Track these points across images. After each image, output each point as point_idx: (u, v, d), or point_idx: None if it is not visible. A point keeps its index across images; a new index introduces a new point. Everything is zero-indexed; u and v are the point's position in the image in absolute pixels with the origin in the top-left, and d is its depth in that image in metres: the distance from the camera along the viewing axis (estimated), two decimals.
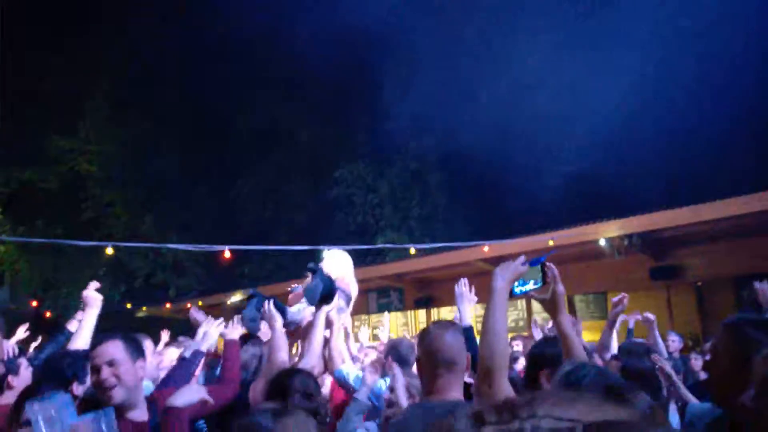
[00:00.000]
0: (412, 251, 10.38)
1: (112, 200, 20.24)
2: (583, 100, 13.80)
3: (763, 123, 12.29)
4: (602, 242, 8.71)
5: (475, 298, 3.62)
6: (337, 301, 4.10)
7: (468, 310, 3.48)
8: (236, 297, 14.06)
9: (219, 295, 14.92)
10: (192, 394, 2.31)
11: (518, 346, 5.70)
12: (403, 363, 3.77)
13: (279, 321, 3.56)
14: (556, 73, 15.25)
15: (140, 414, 2.38)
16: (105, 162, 20.37)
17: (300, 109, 19.78)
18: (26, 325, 5.78)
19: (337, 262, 4.66)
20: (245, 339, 3.84)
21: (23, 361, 3.54)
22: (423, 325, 12.66)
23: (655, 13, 13.82)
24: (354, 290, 4.61)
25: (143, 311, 17.26)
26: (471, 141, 16.03)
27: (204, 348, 3.20)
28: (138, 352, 2.42)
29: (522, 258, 2.07)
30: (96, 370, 2.31)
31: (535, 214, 12.60)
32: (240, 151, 20.22)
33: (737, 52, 12.33)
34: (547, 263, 2.15)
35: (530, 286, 2.15)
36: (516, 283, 2.08)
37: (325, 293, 3.91)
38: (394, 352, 3.86)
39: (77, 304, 17.75)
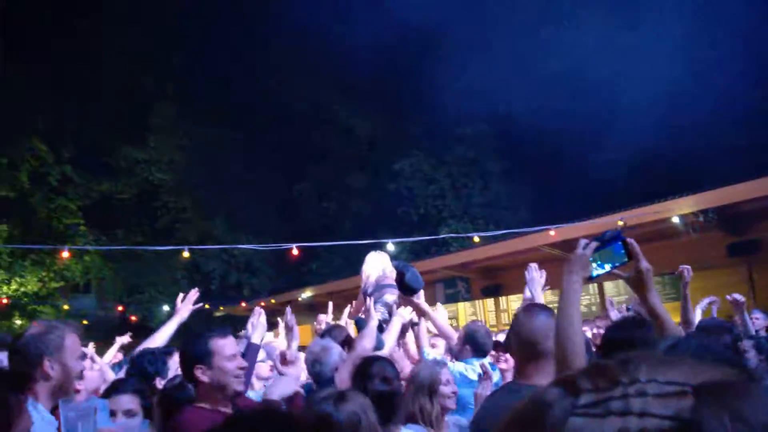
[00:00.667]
0: (476, 239, 10.33)
1: (185, 206, 21.13)
2: (645, 76, 13.30)
3: None
4: (676, 220, 8.39)
5: (544, 282, 3.59)
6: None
7: (540, 293, 3.47)
8: (306, 293, 14.40)
9: (290, 292, 15.32)
10: (287, 386, 2.45)
11: (598, 330, 5.35)
12: (479, 351, 3.82)
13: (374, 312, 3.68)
14: (613, 50, 14.72)
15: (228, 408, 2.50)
16: (174, 170, 21.27)
17: (355, 102, 19.97)
18: (129, 333, 6.31)
19: (376, 263, 4.82)
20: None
21: (87, 363, 3.79)
22: (492, 314, 12.58)
23: None
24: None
25: (220, 311, 17.96)
26: (529, 124, 15.74)
27: (256, 339, 3.30)
28: None
29: (583, 242, 1.97)
30: (235, 357, 2.48)
31: (602, 195, 12.26)
32: (301, 147, 20.61)
33: None
34: (628, 239, 1.98)
35: (608, 268, 1.99)
36: (594, 266, 1.97)
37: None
38: (471, 340, 3.92)
39: (160, 307, 18.50)
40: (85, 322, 19.55)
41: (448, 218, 17.70)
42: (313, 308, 14.91)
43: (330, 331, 3.91)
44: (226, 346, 2.46)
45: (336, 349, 3.40)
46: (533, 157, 16.00)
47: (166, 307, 19.02)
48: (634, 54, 13.97)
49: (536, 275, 3.57)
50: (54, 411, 2.18)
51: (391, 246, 11.89)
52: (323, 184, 20.56)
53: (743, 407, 0.39)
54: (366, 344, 3.33)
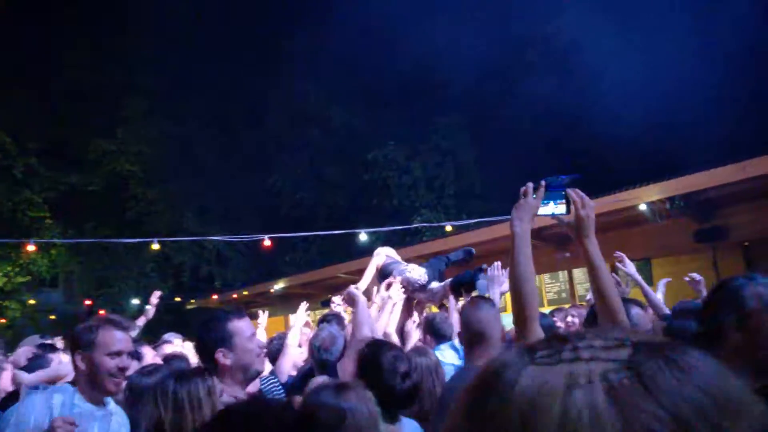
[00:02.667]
0: (449, 228, 10.37)
1: (154, 198, 20.80)
2: (617, 65, 13.48)
3: None
4: (643, 207, 8.54)
5: (507, 281, 3.64)
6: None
7: (497, 293, 3.54)
8: (280, 285, 14.32)
9: (264, 283, 15.21)
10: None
11: (572, 318, 5.34)
12: (441, 336, 3.90)
13: (362, 298, 3.67)
14: (588, 39, 14.88)
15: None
16: (144, 161, 20.91)
17: (330, 92, 19.86)
18: None
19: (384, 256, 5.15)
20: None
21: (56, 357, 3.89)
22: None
23: None
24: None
25: (192, 304, 17.77)
26: (502, 114, 15.86)
27: None
28: None
29: (530, 186, 2.01)
30: (254, 336, 2.49)
31: (572, 183, 12.41)
32: (274, 137, 20.44)
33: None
34: (571, 189, 1.99)
35: (550, 208, 2.02)
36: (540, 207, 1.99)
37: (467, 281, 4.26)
38: (429, 327, 3.99)
39: (129, 301, 18.25)
40: (52, 317, 19.21)
41: (421, 208, 17.77)
42: (287, 299, 14.85)
43: (328, 320, 3.93)
44: (244, 326, 2.46)
45: (341, 339, 3.47)
46: (507, 147, 16.12)
47: (135, 301, 18.74)
48: (608, 45, 14.13)
49: (497, 273, 3.61)
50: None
51: (364, 236, 11.91)
52: (297, 175, 20.43)
53: (674, 354, 0.45)
54: (366, 331, 3.30)
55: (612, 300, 1.90)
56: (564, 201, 2.01)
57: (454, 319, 4.20)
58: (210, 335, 2.45)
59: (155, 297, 5.86)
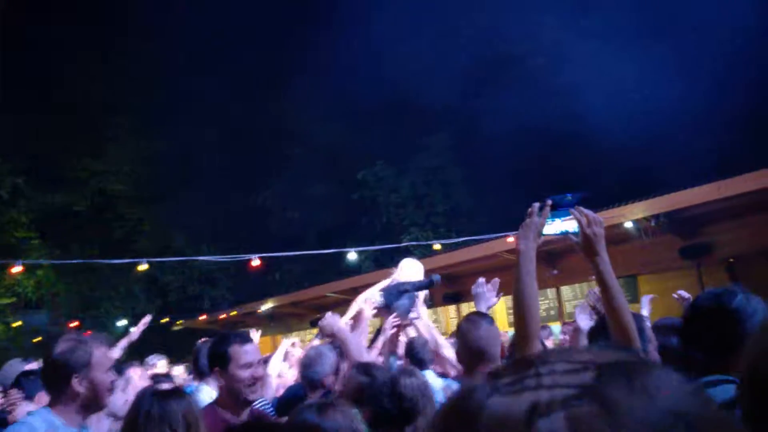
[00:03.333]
0: (437, 247, 10.42)
1: (142, 217, 20.68)
2: (602, 83, 13.70)
3: None
4: (629, 224, 8.65)
5: (494, 297, 3.61)
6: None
7: (484, 308, 3.50)
8: (268, 305, 14.25)
9: (252, 303, 15.13)
10: None
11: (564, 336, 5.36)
12: (419, 362, 3.85)
13: (338, 326, 3.66)
14: (571, 56, 15.13)
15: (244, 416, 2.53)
16: (132, 180, 20.82)
17: (317, 112, 19.96)
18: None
19: (410, 270, 5.04)
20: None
21: None
22: (453, 321, 12.69)
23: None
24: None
25: (179, 324, 17.60)
26: (489, 133, 16.01)
27: None
28: None
29: (536, 206, 2.03)
30: (250, 366, 2.45)
31: (580, 201, 12.50)
32: (262, 156, 20.45)
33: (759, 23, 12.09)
34: (576, 209, 2.02)
35: (557, 226, 2.06)
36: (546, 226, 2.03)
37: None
38: (409, 352, 3.95)
39: (116, 322, 18.00)
40: (38, 339, 18.93)
41: (410, 227, 17.83)
42: (276, 319, 14.77)
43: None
44: (243, 353, 2.45)
45: (330, 357, 3.41)
46: (494, 164, 16.26)
47: (122, 322, 18.53)
48: (592, 62, 14.37)
49: (482, 290, 3.58)
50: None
51: (353, 255, 11.93)
52: (286, 195, 20.44)
53: (639, 376, 0.44)
54: (354, 355, 3.27)
55: (624, 317, 1.91)
56: (570, 219, 2.04)
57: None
58: (211, 351, 2.54)
59: (144, 322, 5.82)
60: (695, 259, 8.89)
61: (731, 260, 9.04)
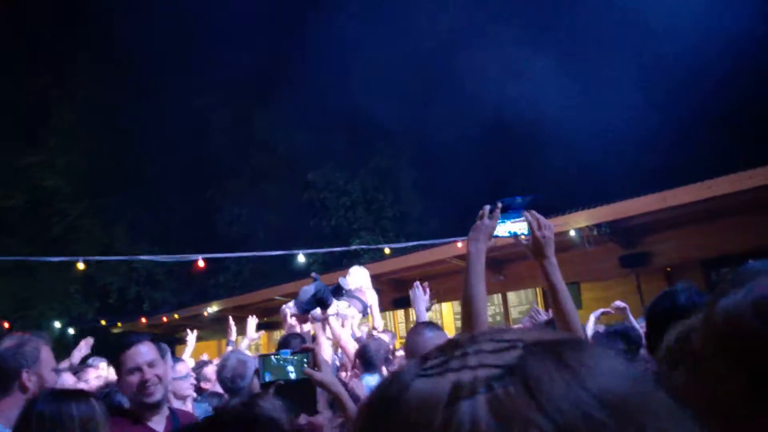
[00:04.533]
0: (387, 251, 10.43)
1: (81, 213, 19.88)
2: (550, 95, 14.04)
3: (726, 107, 12.63)
4: (572, 233, 8.87)
5: (428, 298, 3.73)
6: (337, 307, 4.53)
7: (423, 310, 3.62)
8: (213, 308, 13.92)
9: (195, 306, 14.76)
10: None
11: None
12: (370, 366, 3.89)
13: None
14: (523, 68, 15.46)
15: (158, 422, 2.41)
16: (71, 174, 19.99)
17: (271, 110, 19.71)
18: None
19: (356, 276, 5.61)
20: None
21: None
22: (402, 326, 12.73)
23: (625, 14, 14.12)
24: (371, 299, 5.54)
25: (118, 327, 17.00)
26: (441, 138, 16.18)
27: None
28: (163, 353, 2.57)
29: (487, 208, 2.05)
30: (137, 370, 2.34)
31: (530, 204, 12.74)
32: (211, 155, 20.02)
33: (702, 42, 12.65)
34: (529, 212, 2.04)
35: (507, 228, 2.06)
36: (498, 228, 2.04)
37: (319, 297, 4.31)
38: (362, 355, 3.99)
39: (51, 323, 17.24)
40: None
41: (359, 230, 17.79)
42: (220, 323, 14.44)
43: (288, 341, 3.79)
44: (128, 358, 2.37)
45: (252, 362, 3.32)
46: (446, 170, 16.43)
47: (57, 324, 17.75)
48: (541, 73, 14.71)
49: (419, 292, 3.71)
50: None
51: (302, 257, 11.79)
52: (233, 194, 20.07)
53: (568, 355, 0.42)
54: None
55: (572, 319, 1.96)
56: (521, 221, 2.06)
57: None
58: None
59: (87, 343, 5.85)
60: (634, 268, 9.19)
61: (669, 269, 9.40)
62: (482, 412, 0.38)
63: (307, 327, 4.76)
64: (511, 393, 0.39)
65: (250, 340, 5.14)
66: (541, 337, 0.45)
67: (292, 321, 4.60)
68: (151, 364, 2.37)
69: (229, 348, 5.01)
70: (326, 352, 4.39)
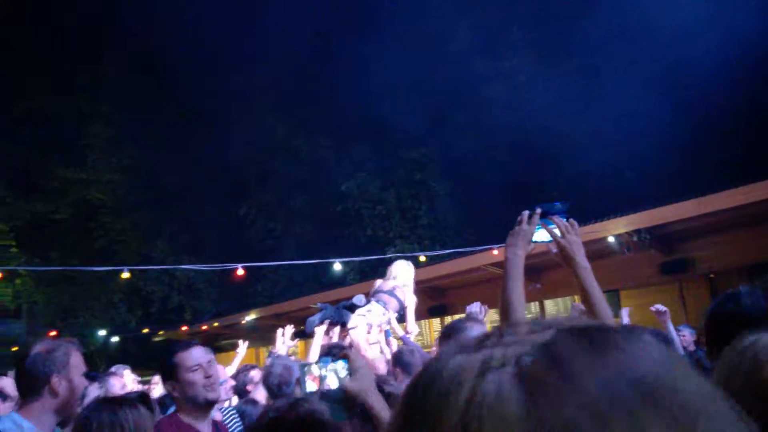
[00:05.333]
0: (422, 259, 10.45)
1: (123, 227, 20.47)
2: (584, 100, 13.90)
3: (763, 112, 12.33)
4: (611, 239, 8.75)
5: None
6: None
7: (412, 316, 3.61)
8: (251, 316, 14.15)
9: (234, 315, 15.01)
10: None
11: None
12: (408, 369, 3.93)
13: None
14: (553, 75, 15.36)
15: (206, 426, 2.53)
16: (113, 189, 20.62)
17: (300, 121, 19.97)
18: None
19: (399, 271, 5.60)
20: None
21: None
22: (437, 334, 12.69)
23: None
24: (409, 300, 5.43)
25: (160, 335, 17.40)
26: (474, 146, 16.15)
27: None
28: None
29: (526, 214, 2.05)
30: (199, 368, 2.46)
31: (568, 210, 12.62)
32: (244, 167, 20.37)
33: (733, 46, 12.39)
34: (555, 218, 2.03)
35: (545, 234, 2.05)
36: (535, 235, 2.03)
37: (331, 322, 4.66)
38: (398, 362, 4.02)
39: (96, 332, 17.67)
40: (14, 348, 18.58)
41: (395, 239, 17.84)
42: (258, 331, 14.66)
43: (330, 350, 3.88)
44: (188, 357, 2.46)
45: (297, 366, 3.41)
46: (480, 178, 16.38)
47: (102, 332, 18.28)
48: (572, 80, 14.59)
49: (476, 310, 3.69)
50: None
51: (338, 266, 11.89)
52: (267, 206, 20.36)
53: (600, 336, 0.42)
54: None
55: (605, 321, 1.88)
56: (551, 228, 2.05)
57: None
58: (160, 369, 2.59)
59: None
60: (676, 275, 9.00)
61: (712, 276, 9.17)
62: (508, 384, 0.39)
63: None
64: (539, 367, 0.40)
65: (287, 347, 5.23)
66: (576, 323, 0.45)
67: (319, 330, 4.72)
68: (210, 363, 2.49)
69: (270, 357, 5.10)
70: (370, 355, 4.48)
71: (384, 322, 5.17)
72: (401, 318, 5.43)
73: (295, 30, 18.89)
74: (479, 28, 17.17)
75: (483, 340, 0.46)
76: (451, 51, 17.30)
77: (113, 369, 5.57)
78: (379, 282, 5.44)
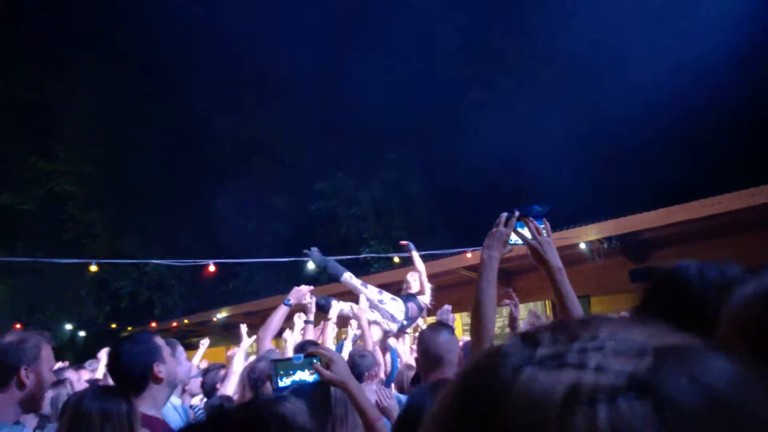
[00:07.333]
0: (396, 260, 10.46)
1: (93, 220, 20.08)
2: (555, 107, 14.08)
3: (734, 125, 12.63)
4: (582, 246, 8.87)
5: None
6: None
7: (366, 324, 3.67)
8: (222, 314, 13.99)
9: (206, 312, 14.83)
10: None
11: None
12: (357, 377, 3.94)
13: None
14: (528, 79, 15.52)
15: None
16: (83, 181, 20.22)
17: (278, 119, 19.84)
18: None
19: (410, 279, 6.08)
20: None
21: None
22: (407, 335, 12.71)
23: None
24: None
25: (128, 331, 17.10)
26: (449, 150, 16.24)
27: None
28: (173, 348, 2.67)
29: (504, 216, 2.06)
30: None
31: (546, 213, 12.73)
32: (219, 163, 20.17)
33: (710, 54, 12.65)
34: (528, 219, 2.05)
35: (519, 240, 2.07)
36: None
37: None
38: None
39: (62, 326, 17.31)
40: None
41: (369, 239, 17.83)
42: (229, 329, 14.50)
43: (303, 347, 3.80)
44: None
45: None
46: (455, 182, 16.47)
47: (68, 326, 17.91)
48: (547, 88, 14.77)
49: (446, 318, 3.72)
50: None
51: (311, 265, 11.81)
52: (242, 203, 20.17)
53: (701, 371, 0.37)
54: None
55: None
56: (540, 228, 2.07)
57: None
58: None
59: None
60: (645, 282, 9.14)
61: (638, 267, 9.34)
62: (602, 425, 0.34)
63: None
64: (637, 410, 0.35)
65: (245, 343, 5.10)
66: (668, 344, 0.39)
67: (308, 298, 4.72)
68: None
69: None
70: (345, 350, 4.50)
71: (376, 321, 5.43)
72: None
73: (277, 27, 18.78)
74: (464, 30, 17.28)
75: (560, 353, 0.39)
76: (432, 57, 17.39)
77: (86, 364, 5.54)
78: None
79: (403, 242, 6.09)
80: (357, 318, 4.73)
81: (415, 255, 6.28)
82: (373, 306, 5.41)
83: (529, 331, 0.43)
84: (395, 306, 5.48)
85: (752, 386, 0.37)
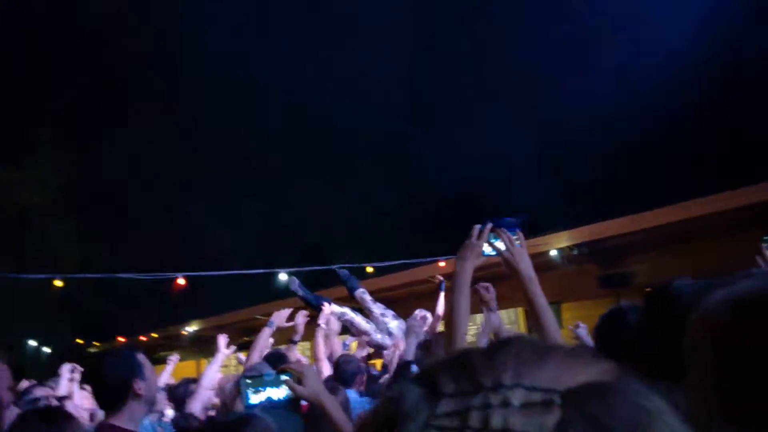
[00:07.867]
0: (369, 270, 10.44)
1: (60, 232, 19.59)
2: (528, 115, 14.27)
3: (704, 130, 12.93)
4: (553, 253, 8.96)
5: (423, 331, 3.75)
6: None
7: (413, 344, 3.47)
8: (192, 327, 13.76)
9: (175, 326, 14.57)
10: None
11: None
12: (345, 382, 3.88)
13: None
14: (506, 86, 15.70)
15: None
16: (48, 192, 19.73)
17: (249, 127, 19.70)
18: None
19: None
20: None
21: None
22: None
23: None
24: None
25: (95, 346, 16.69)
26: (422, 161, 16.31)
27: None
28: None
29: (477, 228, 2.08)
30: None
31: (521, 224, 12.83)
32: (193, 172, 19.92)
33: (680, 59, 12.93)
34: (501, 230, 2.06)
35: (490, 250, 2.08)
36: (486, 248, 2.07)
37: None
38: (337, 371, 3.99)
39: (26, 343, 16.78)
40: None
41: (342, 249, 17.76)
42: (200, 343, 14.27)
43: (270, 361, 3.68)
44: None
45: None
46: (425, 191, 16.54)
47: (32, 342, 17.39)
48: (515, 99, 14.96)
49: (415, 324, 3.71)
50: None
51: (283, 276, 11.70)
52: (213, 214, 19.93)
53: (606, 417, 0.35)
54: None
55: (551, 335, 1.95)
56: (514, 239, 2.09)
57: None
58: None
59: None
60: (614, 288, 9.29)
61: (648, 289, 9.48)
62: None
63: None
64: None
65: (223, 356, 4.89)
66: (577, 383, 0.37)
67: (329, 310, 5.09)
68: None
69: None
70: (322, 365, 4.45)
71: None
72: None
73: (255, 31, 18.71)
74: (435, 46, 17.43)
75: (461, 409, 0.36)
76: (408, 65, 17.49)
77: (49, 381, 5.31)
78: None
79: (438, 278, 6.26)
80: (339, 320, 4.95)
81: (441, 297, 6.00)
82: (374, 319, 5.70)
83: (431, 371, 0.40)
84: (395, 324, 5.79)
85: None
